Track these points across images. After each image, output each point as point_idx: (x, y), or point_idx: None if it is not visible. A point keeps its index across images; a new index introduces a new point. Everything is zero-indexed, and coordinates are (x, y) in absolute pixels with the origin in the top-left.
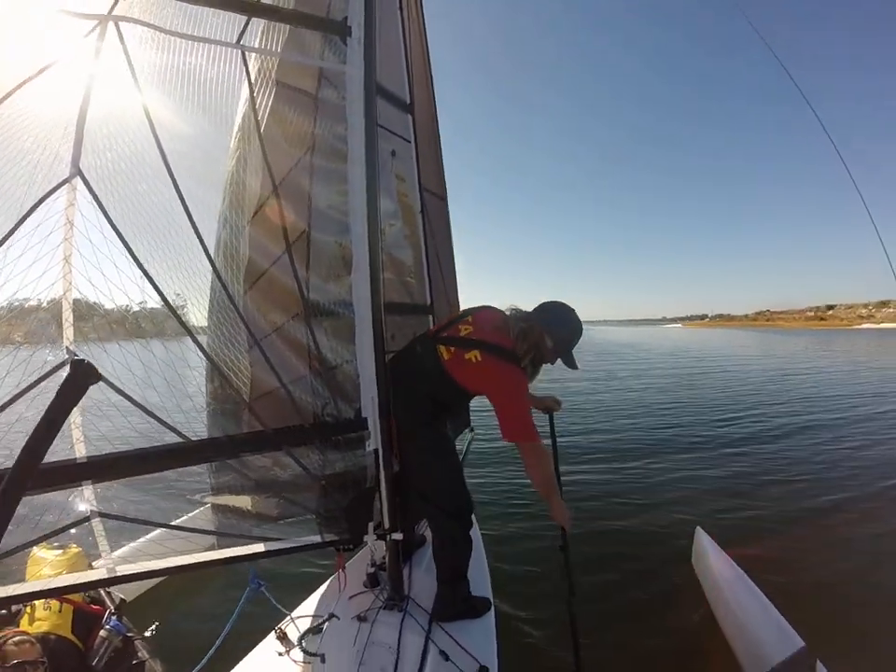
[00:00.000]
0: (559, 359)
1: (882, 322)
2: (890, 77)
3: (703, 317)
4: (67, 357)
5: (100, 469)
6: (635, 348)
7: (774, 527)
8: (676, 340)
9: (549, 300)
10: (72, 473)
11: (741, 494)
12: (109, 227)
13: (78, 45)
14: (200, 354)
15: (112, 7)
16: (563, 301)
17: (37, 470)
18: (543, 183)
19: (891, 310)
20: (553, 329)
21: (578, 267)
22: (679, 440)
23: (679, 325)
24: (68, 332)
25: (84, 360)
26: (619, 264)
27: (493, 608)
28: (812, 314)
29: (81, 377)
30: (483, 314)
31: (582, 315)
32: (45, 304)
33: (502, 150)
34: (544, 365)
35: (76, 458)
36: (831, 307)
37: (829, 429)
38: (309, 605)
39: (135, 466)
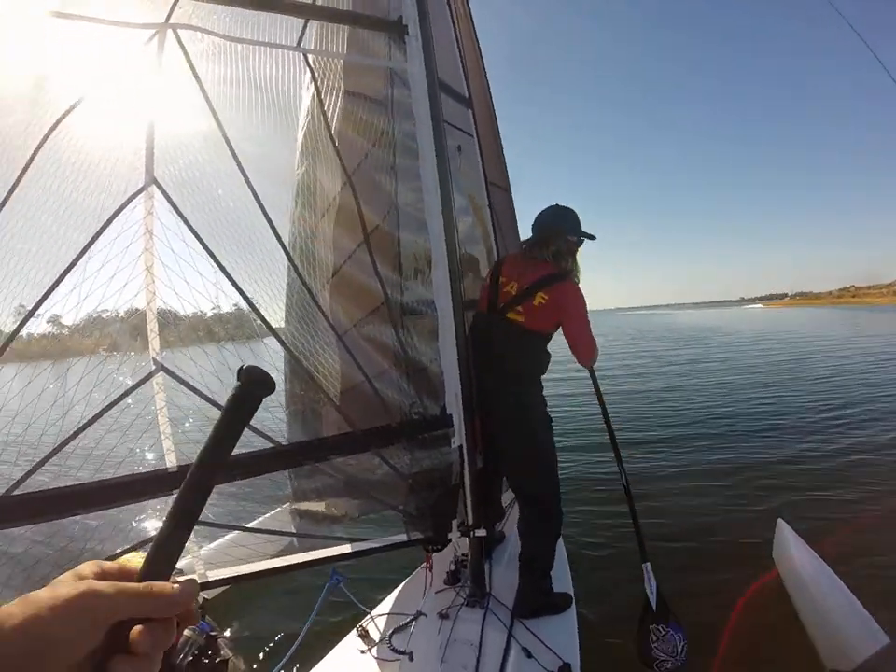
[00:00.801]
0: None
1: None
2: None
3: (782, 296)
4: (155, 367)
5: None
6: (716, 332)
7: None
8: (759, 322)
9: (542, 214)
10: (164, 483)
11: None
12: (190, 234)
13: (138, 55)
14: (283, 355)
15: (168, 16)
16: (544, 208)
17: (200, 506)
18: (599, 158)
19: None
20: (565, 231)
21: (643, 250)
22: (782, 440)
23: (759, 305)
24: (154, 343)
25: (255, 367)
26: (686, 243)
27: (574, 603)
28: None
29: (254, 388)
30: (509, 267)
31: (653, 300)
32: (128, 315)
33: (550, 123)
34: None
35: (167, 468)
36: None
37: None
38: (390, 602)
39: (227, 473)
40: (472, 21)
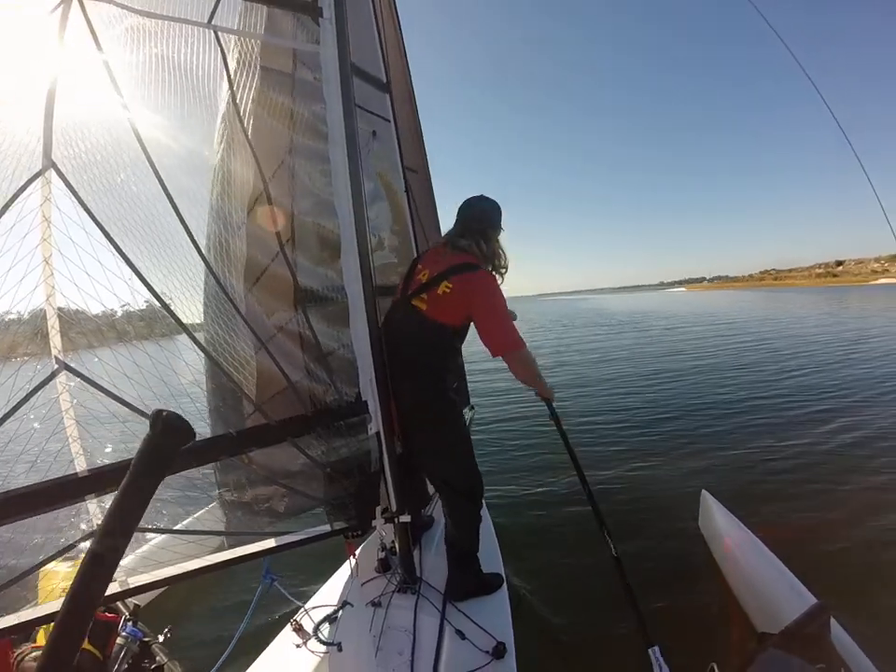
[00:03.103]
0: None
1: None
2: (872, 17)
3: (700, 280)
4: (57, 367)
5: (101, 481)
6: (650, 317)
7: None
8: (689, 305)
9: (466, 202)
10: (74, 489)
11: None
12: (91, 222)
13: (40, 27)
14: (198, 351)
15: None
16: (476, 197)
17: (110, 576)
18: (514, 139)
19: None
20: (492, 224)
21: (559, 237)
22: (757, 437)
23: (683, 288)
24: (55, 340)
25: (170, 413)
26: (601, 229)
27: (505, 583)
28: (822, 270)
29: (170, 437)
30: (429, 255)
31: (573, 285)
32: (27, 312)
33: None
34: None
35: (76, 473)
36: (840, 263)
37: None
38: (323, 594)
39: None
40: (395, 7)
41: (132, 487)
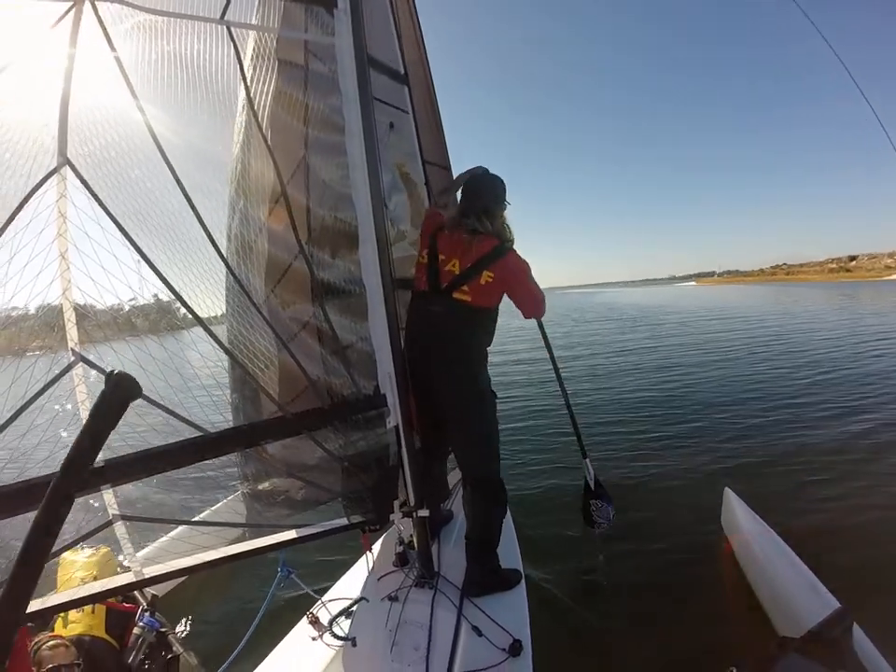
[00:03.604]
0: None
1: None
2: None
3: (711, 274)
4: (73, 359)
5: (118, 471)
6: (662, 311)
7: None
8: (702, 299)
9: (469, 179)
10: (90, 479)
11: None
12: (106, 217)
13: (54, 28)
14: (215, 345)
15: None
16: (479, 175)
17: (68, 507)
18: (525, 137)
19: None
20: (500, 201)
21: (571, 231)
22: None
23: (693, 283)
24: (72, 333)
25: (121, 373)
26: (610, 225)
27: (524, 579)
28: (835, 265)
29: (120, 393)
30: (446, 242)
31: (581, 279)
32: (44, 305)
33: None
34: None
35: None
36: (853, 258)
37: None
38: (340, 588)
39: (153, 465)
40: None
41: (89, 430)
